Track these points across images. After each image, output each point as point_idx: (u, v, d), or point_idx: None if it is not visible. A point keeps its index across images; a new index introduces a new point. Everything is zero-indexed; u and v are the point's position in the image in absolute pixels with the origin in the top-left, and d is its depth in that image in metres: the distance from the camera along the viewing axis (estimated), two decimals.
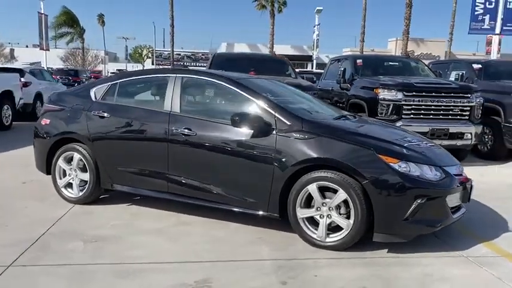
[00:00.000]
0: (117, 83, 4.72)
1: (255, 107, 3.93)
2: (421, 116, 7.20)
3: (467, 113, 7.35)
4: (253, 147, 3.81)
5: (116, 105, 4.58)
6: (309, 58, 45.99)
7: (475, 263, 3.46)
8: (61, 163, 4.77)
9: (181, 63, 61.24)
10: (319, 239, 3.65)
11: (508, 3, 13.38)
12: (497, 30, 13.43)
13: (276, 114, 3.83)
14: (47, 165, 4.90)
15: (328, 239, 3.63)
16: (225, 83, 4.22)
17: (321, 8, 29.13)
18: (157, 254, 3.50)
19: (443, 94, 7.26)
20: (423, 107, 7.20)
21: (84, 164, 4.63)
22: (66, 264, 3.27)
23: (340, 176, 3.53)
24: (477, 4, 13.35)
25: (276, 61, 8.86)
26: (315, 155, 3.59)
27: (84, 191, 4.67)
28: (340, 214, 3.60)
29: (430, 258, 3.52)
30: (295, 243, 3.76)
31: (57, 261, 3.32)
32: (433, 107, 7.22)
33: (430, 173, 3.53)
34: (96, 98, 4.70)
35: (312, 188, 3.62)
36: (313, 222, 3.73)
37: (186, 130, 4.06)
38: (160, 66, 51.84)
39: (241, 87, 4.12)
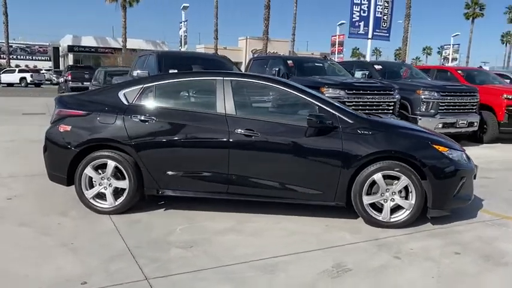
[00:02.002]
0: (152, 85, 4.57)
1: (317, 107, 4.34)
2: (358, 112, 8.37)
3: (392, 107, 8.74)
4: (321, 145, 4.22)
5: (161, 109, 4.46)
6: None
7: (495, 224, 4.48)
8: (89, 172, 4.44)
9: (14, 57, 54.70)
10: (384, 220, 4.27)
11: (377, 12, 15.72)
12: (370, 36, 15.67)
13: (338, 114, 4.30)
14: (68, 176, 4.50)
15: (392, 219, 4.27)
16: (280, 86, 4.51)
17: (187, 4, 29.28)
18: (264, 249, 3.69)
19: (375, 92, 8.50)
20: (360, 103, 8.32)
21: (121, 171, 4.41)
22: (202, 269, 3.27)
23: (401, 164, 4.19)
24: (354, 12, 15.38)
25: (221, 61, 9.05)
26: (382, 148, 4.18)
27: (122, 199, 4.45)
28: (401, 197, 4.26)
29: (466, 225, 4.42)
30: (360, 227, 4.30)
31: (186, 268, 3.29)
32: (368, 103, 8.41)
33: (462, 158, 4.42)
34: (129, 102, 4.49)
35: (378, 177, 4.21)
36: (373, 207, 4.32)
37: (249, 131, 4.25)
38: None
39: (298, 90, 4.48)
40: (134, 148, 4.35)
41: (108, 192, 4.47)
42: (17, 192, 5.19)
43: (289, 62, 9.69)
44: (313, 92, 4.69)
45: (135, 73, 7.88)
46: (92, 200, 4.49)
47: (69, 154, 4.45)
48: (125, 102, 4.50)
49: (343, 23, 35.07)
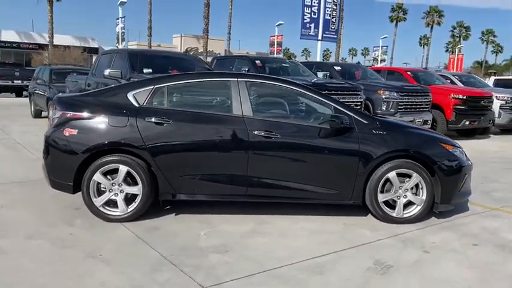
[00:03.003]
0: (163, 86, 4.41)
1: (333, 107, 4.43)
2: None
3: (359, 107, 9.10)
4: (339, 145, 4.32)
5: (176, 111, 4.32)
6: (95, 50, 43.91)
7: (488, 216, 4.84)
8: (99, 178, 4.20)
9: None
10: (398, 216, 4.46)
11: (327, 14, 16.21)
12: (320, 37, 16.14)
13: (353, 115, 4.42)
14: (75, 183, 4.23)
15: (405, 215, 4.47)
16: (293, 87, 4.55)
17: (125, 0, 28.23)
18: (299, 250, 3.71)
19: (345, 92, 8.80)
20: None
21: (132, 176, 4.22)
22: (252, 274, 3.23)
23: (413, 162, 4.40)
24: (305, 13, 15.73)
25: (193, 60, 8.87)
26: (399, 147, 4.37)
27: (135, 206, 4.26)
28: (412, 194, 4.48)
29: (466, 218, 4.74)
30: (375, 224, 4.46)
31: (235, 274, 3.23)
32: None
33: (463, 155, 4.72)
34: (140, 103, 4.30)
35: (392, 175, 4.39)
36: (385, 204, 4.49)
37: (268, 132, 4.24)
38: None
39: (312, 91, 4.54)
40: (149, 151, 4.18)
41: (120, 199, 4.25)
42: (3, 201, 4.77)
43: (258, 62, 9.73)
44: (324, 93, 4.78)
45: (106, 72, 7.50)
46: (101, 208, 4.24)
47: (76, 160, 4.17)
48: (135, 104, 4.30)
49: (282, 24, 35.77)
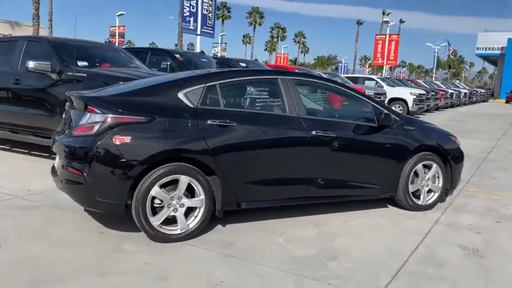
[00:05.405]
0: (214, 84, 3.92)
1: (371, 105, 4.58)
2: None
3: None
4: (384, 141, 4.53)
5: (235, 112, 3.93)
6: None
7: (476, 196, 5.64)
8: (157, 193, 3.56)
9: None
10: (422, 204, 4.88)
11: (204, 9, 16.02)
12: (198, 32, 15.87)
13: (389, 112, 4.65)
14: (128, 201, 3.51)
15: (427, 202, 4.91)
16: (335, 85, 4.55)
17: None
18: (390, 246, 3.80)
19: None
20: None
21: (193, 187, 3.70)
22: (396, 276, 3.19)
23: (433, 155, 4.87)
24: (184, 7, 15.22)
25: (119, 51, 7.79)
26: (427, 142, 4.77)
27: (197, 221, 3.74)
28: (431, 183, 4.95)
29: (462, 199, 5.41)
30: (403, 213, 4.78)
31: (384, 278, 3.15)
32: None
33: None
34: (194, 104, 3.77)
35: (419, 167, 4.78)
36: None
37: (325, 132, 4.19)
38: None
39: (351, 89, 4.61)
40: (214, 157, 3.70)
41: (180, 215, 3.67)
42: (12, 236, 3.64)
43: (177, 56, 9.19)
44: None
45: (31, 65, 6.17)
46: (159, 228, 3.60)
47: (131, 173, 3.45)
48: (190, 105, 3.75)
49: (123, 14, 33.89)
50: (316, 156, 4.18)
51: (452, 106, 26.42)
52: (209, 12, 16.31)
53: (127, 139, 3.44)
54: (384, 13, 68.14)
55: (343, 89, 4.62)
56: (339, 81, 12.04)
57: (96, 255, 3.35)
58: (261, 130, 3.94)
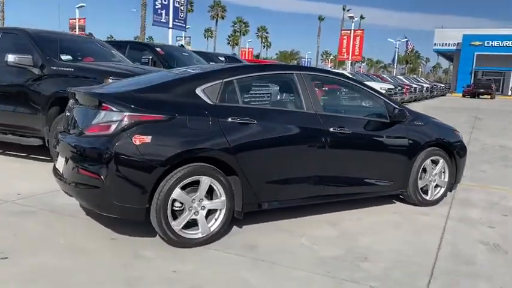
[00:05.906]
0: (231, 80, 3.73)
1: (383, 101, 4.53)
2: None
3: None
4: (396, 138, 4.48)
5: (255, 109, 3.77)
6: None
7: (472, 191, 5.71)
8: (178, 195, 3.35)
9: None
10: (430, 199, 4.88)
11: (176, 2, 15.59)
12: (170, 25, 15.43)
13: (400, 108, 4.61)
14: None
15: (434, 198, 4.92)
16: (349, 81, 4.46)
17: None
18: (411, 242, 3.76)
19: None
20: None
21: (214, 188, 3.51)
22: (439, 275, 3.13)
23: (440, 150, 4.88)
24: (156, 0, 14.82)
25: (99, 44, 7.35)
26: (436, 137, 4.76)
27: (218, 223, 3.56)
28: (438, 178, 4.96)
29: (462, 193, 5.47)
30: (412, 208, 4.76)
31: (422, 277, 3.09)
32: None
33: None
34: (213, 101, 3.57)
35: (428, 163, 4.78)
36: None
37: (342, 128, 4.10)
38: None
39: (364, 85, 4.53)
40: (235, 157, 3.53)
41: (201, 218, 3.47)
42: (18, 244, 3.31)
43: (159, 49, 8.85)
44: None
45: (10, 58, 5.74)
46: (181, 232, 3.39)
47: (153, 174, 3.22)
48: (209, 101, 3.55)
49: (83, 6, 32.66)
50: (334, 153, 4.08)
51: (415, 100, 27.09)
52: (181, 5, 15.91)
53: (147, 139, 3.21)
54: (344, 9, 69.57)
55: (357, 85, 4.55)
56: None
57: (116, 264, 3.10)
58: (280, 127, 3.80)
